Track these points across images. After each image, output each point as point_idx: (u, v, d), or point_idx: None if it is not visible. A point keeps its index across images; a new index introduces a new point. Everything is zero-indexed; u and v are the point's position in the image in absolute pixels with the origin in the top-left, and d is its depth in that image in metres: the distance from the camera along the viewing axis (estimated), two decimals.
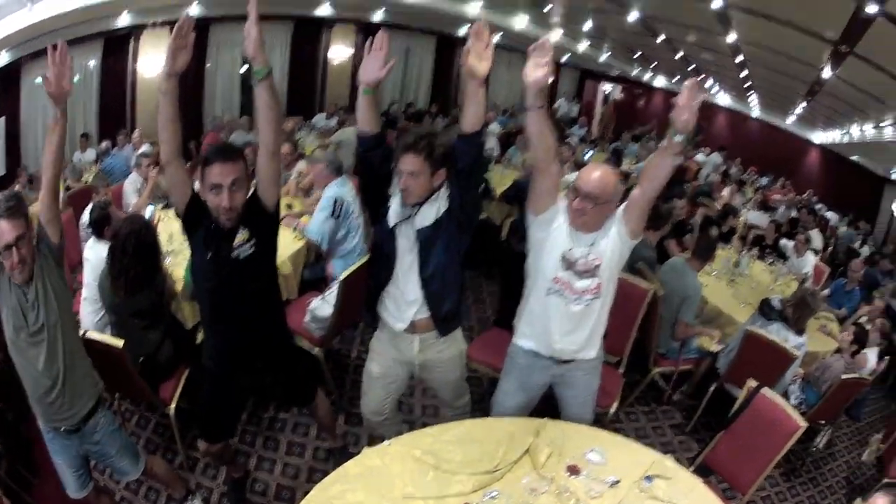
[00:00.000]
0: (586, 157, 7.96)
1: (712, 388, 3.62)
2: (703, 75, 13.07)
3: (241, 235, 2.04)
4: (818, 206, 11.31)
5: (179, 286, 3.20)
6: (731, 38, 7.86)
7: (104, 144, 7.38)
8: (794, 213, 8.97)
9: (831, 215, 10.92)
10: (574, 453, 2.10)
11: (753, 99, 13.80)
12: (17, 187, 5.83)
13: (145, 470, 2.33)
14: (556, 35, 11.95)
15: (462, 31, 11.62)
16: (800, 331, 3.51)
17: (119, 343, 2.44)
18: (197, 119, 8.82)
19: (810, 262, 5.89)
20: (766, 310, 3.65)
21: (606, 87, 17.23)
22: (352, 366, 3.84)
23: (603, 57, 14.98)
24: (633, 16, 8.77)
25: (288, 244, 3.77)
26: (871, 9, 4.64)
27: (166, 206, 4.19)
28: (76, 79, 6.13)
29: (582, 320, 2.24)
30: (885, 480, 3.17)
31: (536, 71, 1.91)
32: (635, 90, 17.36)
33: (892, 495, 1.93)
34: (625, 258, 2.23)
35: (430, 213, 2.15)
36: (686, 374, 3.97)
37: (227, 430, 2.48)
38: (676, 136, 1.95)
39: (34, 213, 1.94)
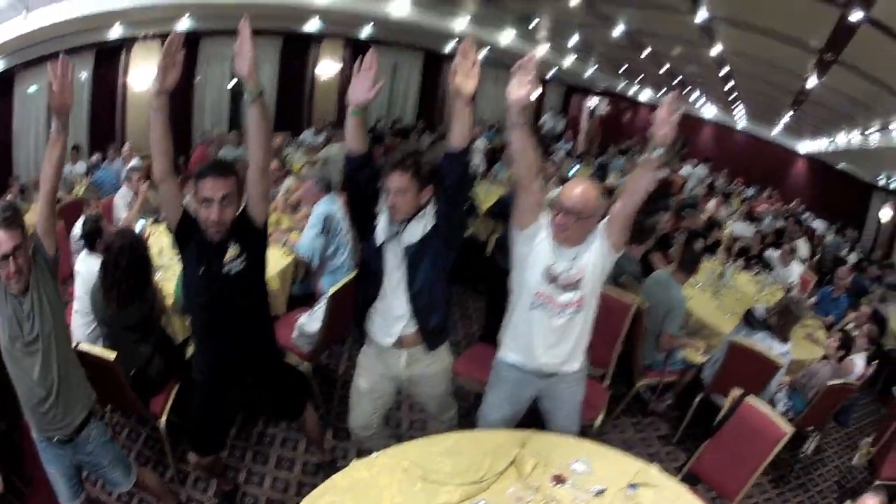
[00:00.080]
0: (571, 173, 7.95)
1: (698, 399, 3.64)
2: (689, 87, 13.25)
3: (232, 251, 2.07)
4: (805, 215, 11.43)
5: (169, 301, 3.21)
6: (716, 49, 7.98)
7: (95, 157, 7.34)
8: (780, 223, 9.05)
9: (818, 224, 11.02)
10: (559, 463, 2.13)
11: (739, 110, 13.99)
12: (9, 197, 5.78)
13: (137, 482, 2.33)
14: (542, 50, 12.03)
15: (449, 48, 11.68)
16: (784, 339, 3.54)
17: (111, 355, 2.46)
18: (186, 133, 8.79)
19: (796, 271, 5.95)
20: (750, 319, 3.68)
21: (592, 102, 17.32)
22: (340, 381, 3.85)
23: (589, 71, 15.12)
24: (618, 30, 8.90)
25: (276, 260, 3.79)
26: (856, 16, 4.69)
27: (156, 221, 4.21)
28: None
29: (565, 333, 2.28)
30: (877, 482, 3.17)
31: (520, 89, 1.96)
32: (621, 104, 17.48)
33: (881, 495, 1.99)
34: (607, 271, 2.27)
35: (417, 230, 2.18)
36: (671, 385, 4.00)
37: (218, 443, 2.50)
38: (656, 150, 2.01)
39: (30, 223, 1.95)
